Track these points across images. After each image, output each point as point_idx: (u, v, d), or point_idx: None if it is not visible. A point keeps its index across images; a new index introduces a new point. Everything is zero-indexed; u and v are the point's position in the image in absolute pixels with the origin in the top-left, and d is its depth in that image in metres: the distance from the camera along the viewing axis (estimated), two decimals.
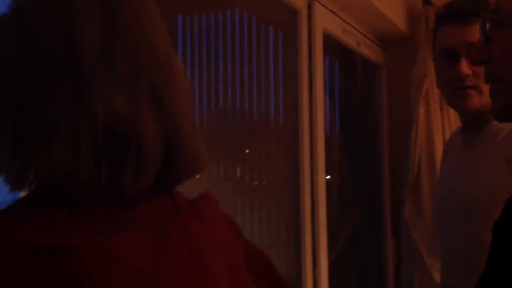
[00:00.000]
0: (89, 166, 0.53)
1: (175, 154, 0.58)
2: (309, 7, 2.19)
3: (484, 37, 0.79)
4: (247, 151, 2.29)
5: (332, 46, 2.49)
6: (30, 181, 0.55)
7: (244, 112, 2.36)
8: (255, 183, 2.30)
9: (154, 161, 0.56)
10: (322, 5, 2.26)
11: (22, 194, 0.57)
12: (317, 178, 2.16)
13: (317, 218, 2.15)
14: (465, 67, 1.38)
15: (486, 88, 0.90)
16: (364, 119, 2.90)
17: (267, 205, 2.26)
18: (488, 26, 0.79)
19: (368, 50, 2.73)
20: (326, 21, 2.29)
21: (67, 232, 0.51)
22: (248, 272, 0.67)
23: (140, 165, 0.55)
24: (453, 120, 2.56)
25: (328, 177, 2.43)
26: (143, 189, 0.56)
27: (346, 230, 2.72)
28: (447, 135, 2.48)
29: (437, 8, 2.27)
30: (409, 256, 2.61)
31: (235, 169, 2.39)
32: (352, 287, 2.82)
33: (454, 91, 1.43)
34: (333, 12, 2.37)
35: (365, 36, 2.68)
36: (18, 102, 0.55)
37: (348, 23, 2.49)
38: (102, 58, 0.55)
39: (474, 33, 1.22)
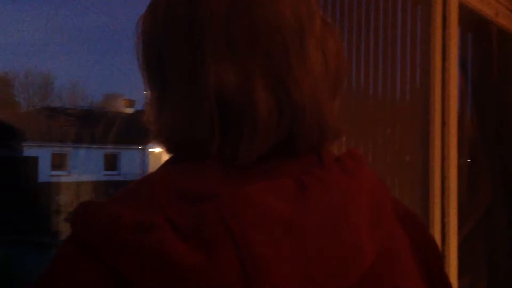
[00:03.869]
0: (204, 132, 0.57)
1: (295, 124, 0.59)
2: None
3: None
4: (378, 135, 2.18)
5: (465, 16, 2.29)
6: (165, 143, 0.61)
7: (368, 90, 2.25)
8: (380, 163, 2.20)
9: (267, 130, 0.57)
10: None
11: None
12: (448, 158, 2.03)
13: (447, 196, 2.02)
14: None
15: None
16: (500, 95, 2.67)
17: (391, 185, 2.17)
18: None
19: (506, 20, 2.49)
20: None
21: (211, 181, 0.55)
22: (396, 224, 0.65)
23: (253, 134, 0.57)
24: None
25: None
26: (258, 156, 0.58)
27: (476, 210, 2.59)
28: None
29: None
30: None
31: (358, 147, 2.28)
32: (481, 266, 2.67)
33: None
34: None
35: (504, 5, 2.44)
36: (160, 70, 0.61)
37: None
38: (221, 31, 0.57)
39: None
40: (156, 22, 0.62)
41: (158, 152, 19.77)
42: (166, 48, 0.60)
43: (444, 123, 2.05)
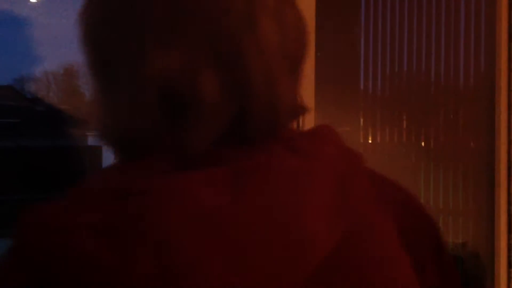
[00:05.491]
0: (146, 122, 0.55)
1: (246, 107, 0.56)
2: None
3: None
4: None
5: None
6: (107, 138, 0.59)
7: (429, 75, 2.19)
8: (439, 148, 2.15)
9: (214, 115, 0.55)
10: None
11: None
12: None
13: None
14: None
15: None
16: None
17: (454, 169, 2.11)
18: None
19: None
20: None
21: (147, 176, 0.53)
22: (375, 204, 0.60)
23: (199, 121, 0.55)
24: None
25: None
26: (210, 142, 0.55)
27: None
28: None
29: None
30: None
31: (418, 134, 2.26)
32: None
33: None
34: None
35: None
36: (103, 60, 0.59)
37: None
38: (163, 13, 0.55)
39: None
40: (96, 10, 0.59)
41: None
42: (106, 36, 0.58)
43: (510, 108, 1.97)
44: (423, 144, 2.19)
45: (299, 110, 0.60)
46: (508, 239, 1.95)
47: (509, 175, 1.96)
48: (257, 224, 0.49)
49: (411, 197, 0.66)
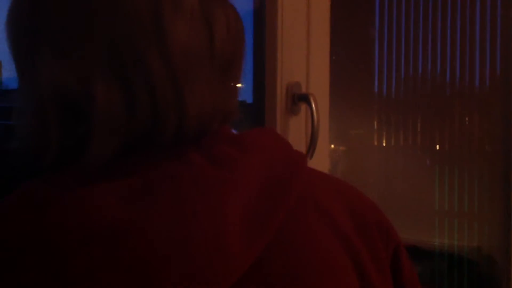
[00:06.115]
0: (39, 130, 0.53)
1: (155, 115, 0.52)
2: None
3: None
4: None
5: None
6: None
7: (444, 77, 2.17)
8: (454, 151, 2.14)
9: (112, 126, 0.52)
10: None
11: None
12: None
13: None
14: None
15: None
16: None
17: (469, 173, 2.10)
18: None
19: None
20: None
21: (53, 189, 0.50)
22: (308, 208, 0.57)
23: (96, 132, 0.52)
24: None
25: None
26: (112, 153, 0.52)
27: None
28: None
29: None
30: None
31: (433, 137, 2.25)
32: None
33: None
34: None
35: None
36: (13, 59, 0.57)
37: None
38: (59, 24, 0.53)
39: None
40: (14, 11, 0.57)
41: None
42: (14, 37, 0.57)
43: None
44: (437, 147, 2.17)
45: (228, 113, 0.57)
46: None
47: None
48: (164, 238, 0.45)
49: (359, 203, 0.64)
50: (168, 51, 0.52)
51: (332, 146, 1.89)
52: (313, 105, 1.13)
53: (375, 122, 2.22)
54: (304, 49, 1.19)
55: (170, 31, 0.52)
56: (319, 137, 1.15)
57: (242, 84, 0.62)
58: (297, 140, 1.17)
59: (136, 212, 0.46)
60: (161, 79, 0.52)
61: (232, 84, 0.59)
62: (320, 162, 1.20)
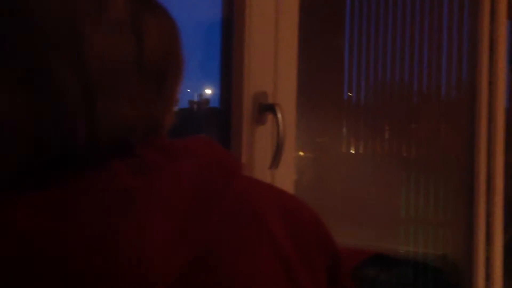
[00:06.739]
0: None
1: (68, 127, 0.51)
2: None
3: None
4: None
5: None
6: None
7: (412, 85, 2.20)
8: (420, 158, 2.17)
9: (19, 137, 0.50)
10: None
11: None
12: (494, 156, 1.97)
13: (492, 195, 1.97)
14: None
15: None
16: None
17: (435, 180, 2.13)
18: None
19: None
20: None
21: None
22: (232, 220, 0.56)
23: (3, 150, 0.50)
24: None
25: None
26: (17, 165, 0.50)
27: None
28: None
29: None
30: None
31: (400, 144, 2.28)
32: None
33: None
34: None
35: None
36: None
37: None
38: None
39: None
40: None
41: None
42: None
43: (490, 120, 1.99)
44: (404, 154, 2.19)
45: (158, 124, 0.56)
46: (487, 251, 1.96)
47: (488, 187, 1.97)
48: (81, 251, 0.45)
49: (302, 206, 0.64)
50: (82, 63, 0.51)
51: (301, 153, 1.89)
52: (279, 116, 1.12)
53: (344, 129, 2.23)
54: (272, 59, 1.18)
55: (88, 43, 0.51)
56: (285, 146, 1.14)
57: (181, 93, 0.61)
58: (264, 149, 1.17)
59: (54, 225, 0.45)
60: (72, 90, 0.50)
61: (169, 94, 0.58)
62: (286, 171, 1.20)
